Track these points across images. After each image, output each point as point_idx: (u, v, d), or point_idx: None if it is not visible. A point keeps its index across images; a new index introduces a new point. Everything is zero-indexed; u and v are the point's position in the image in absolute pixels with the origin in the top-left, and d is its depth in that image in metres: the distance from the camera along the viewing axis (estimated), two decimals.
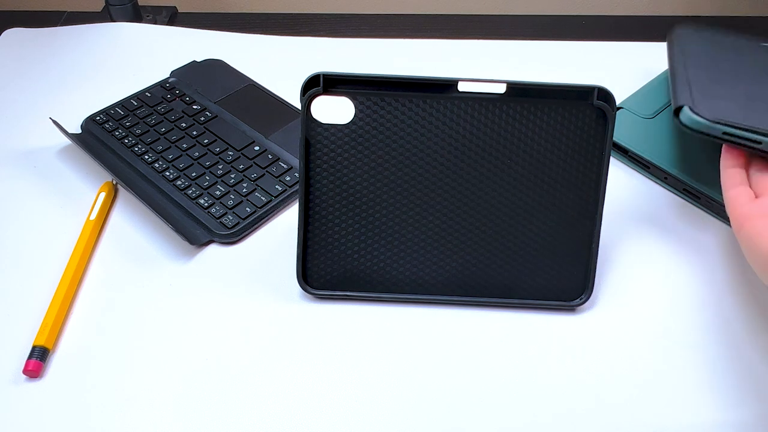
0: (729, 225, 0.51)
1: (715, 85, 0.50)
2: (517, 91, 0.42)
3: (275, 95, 0.64)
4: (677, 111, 0.47)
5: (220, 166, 0.56)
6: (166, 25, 0.79)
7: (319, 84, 0.42)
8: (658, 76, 0.62)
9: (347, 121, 0.43)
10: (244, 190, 0.54)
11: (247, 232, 0.52)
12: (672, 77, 0.52)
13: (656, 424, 0.40)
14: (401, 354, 0.44)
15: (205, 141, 0.58)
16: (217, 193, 0.53)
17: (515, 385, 0.42)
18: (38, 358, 0.43)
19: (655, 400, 0.41)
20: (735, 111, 0.46)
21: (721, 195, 0.48)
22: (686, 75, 0.51)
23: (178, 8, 0.82)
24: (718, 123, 0.45)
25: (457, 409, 0.41)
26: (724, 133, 0.45)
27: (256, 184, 0.54)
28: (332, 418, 0.40)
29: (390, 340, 0.45)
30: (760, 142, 0.45)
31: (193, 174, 0.55)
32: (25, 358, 0.43)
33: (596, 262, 0.45)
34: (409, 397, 0.41)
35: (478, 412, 0.41)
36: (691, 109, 0.46)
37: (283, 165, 0.56)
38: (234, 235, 0.51)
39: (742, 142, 0.45)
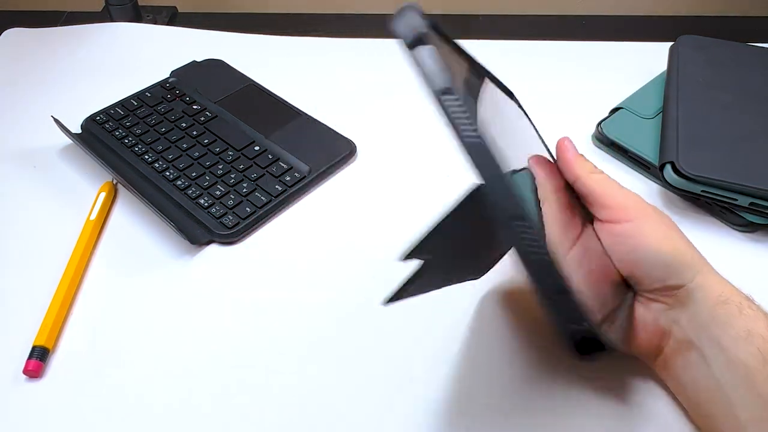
0: (729, 226, 0.51)
1: (704, 129, 0.51)
2: None
3: (275, 95, 0.64)
4: (662, 167, 0.50)
5: (220, 166, 0.56)
6: (166, 25, 0.79)
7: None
8: (658, 76, 0.62)
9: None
10: (244, 190, 0.54)
11: (247, 232, 0.52)
12: (664, 115, 0.55)
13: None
14: (419, 354, 0.44)
15: (205, 141, 0.58)
16: (217, 193, 0.53)
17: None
18: (38, 358, 0.43)
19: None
20: (719, 162, 0.48)
21: (721, 195, 0.49)
22: (677, 116, 0.53)
23: (178, 8, 0.82)
24: (697, 182, 0.48)
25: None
26: (702, 191, 0.48)
27: (256, 184, 0.54)
28: (341, 416, 0.40)
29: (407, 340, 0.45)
30: (735, 199, 0.47)
31: (193, 174, 0.55)
32: (25, 358, 0.43)
33: None
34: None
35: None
36: (673, 167, 0.49)
37: (283, 165, 0.56)
38: (234, 235, 0.51)
39: (720, 199, 0.48)
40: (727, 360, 0.35)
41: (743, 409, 0.34)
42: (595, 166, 0.40)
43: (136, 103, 0.62)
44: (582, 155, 0.40)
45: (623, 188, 0.39)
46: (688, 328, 0.37)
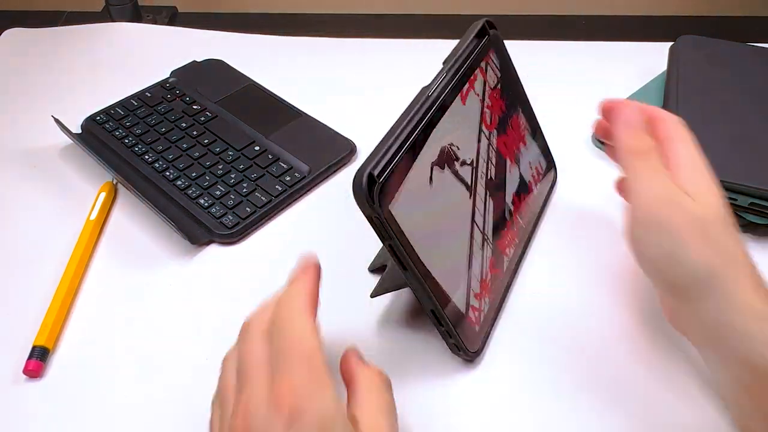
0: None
1: (703, 128, 0.51)
2: None
3: (275, 95, 0.64)
4: None
5: (220, 166, 0.56)
6: (166, 25, 0.79)
7: None
8: (658, 76, 0.62)
9: None
10: (244, 190, 0.54)
11: (247, 232, 0.52)
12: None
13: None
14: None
15: (205, 141, 0.58)
16: (217, 193, 0.53)
17: None
18: (38, 358, 0.43)
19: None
20: (718, 162, 0.48)
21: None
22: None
23: (178, 8, 0.82)
24: None
25: None
26: None
27: (256, 184, 0.54)
28: None
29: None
30: (735, 199, 0.47)
31: (194, 174, 0.55)
32: (25, 358, 0.43)
33: None
34: None
35: None
36: None
37: (283, 165, 0.56)
38: (234, 235, 0.51)
39: None
40: None
41: None
42: (644, 143, 0.37)
43: (136, 103, 0.62)
44: (631, 124, 0.37)
45: (661, 186, 0.36)
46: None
